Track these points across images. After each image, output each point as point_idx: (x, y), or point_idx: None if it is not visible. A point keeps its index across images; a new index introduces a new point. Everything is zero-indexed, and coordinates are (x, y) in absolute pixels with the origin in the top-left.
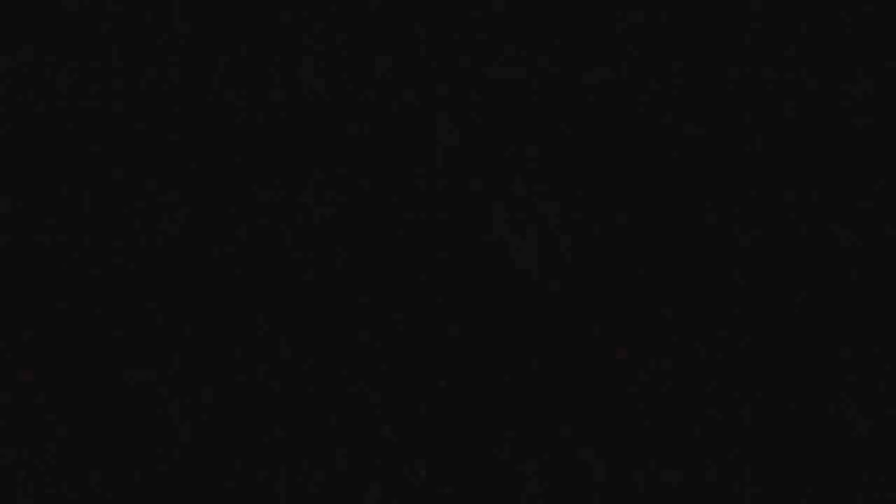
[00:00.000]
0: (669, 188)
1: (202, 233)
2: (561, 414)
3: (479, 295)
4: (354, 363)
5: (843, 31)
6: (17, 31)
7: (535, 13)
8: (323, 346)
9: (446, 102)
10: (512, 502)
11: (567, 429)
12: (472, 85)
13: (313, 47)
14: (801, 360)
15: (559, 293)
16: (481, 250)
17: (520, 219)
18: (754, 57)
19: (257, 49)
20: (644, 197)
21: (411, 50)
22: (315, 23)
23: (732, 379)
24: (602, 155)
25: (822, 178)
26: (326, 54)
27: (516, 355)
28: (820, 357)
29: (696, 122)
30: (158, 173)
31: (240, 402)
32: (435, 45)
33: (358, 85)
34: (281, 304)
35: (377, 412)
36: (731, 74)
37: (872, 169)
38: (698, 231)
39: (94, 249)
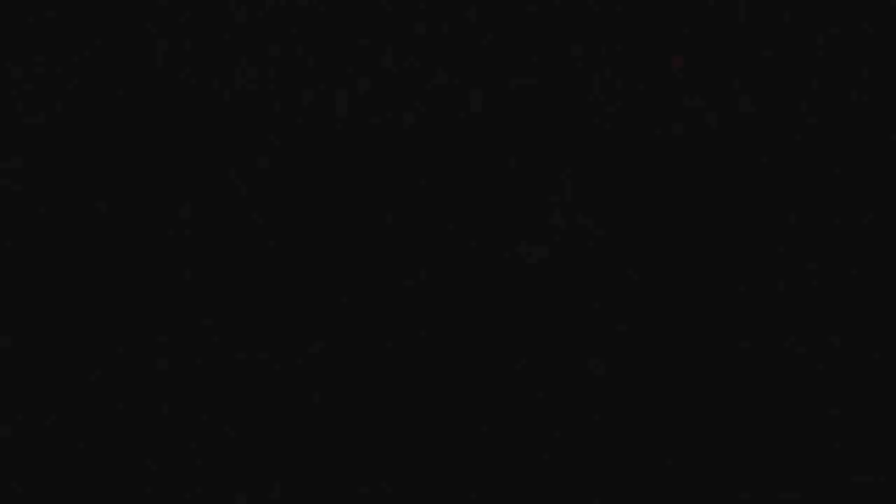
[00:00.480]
0: (673, 191)
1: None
2: (562, 412)
3: (489, 294)
4: (363, 362)
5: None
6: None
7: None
8: (326, 343)
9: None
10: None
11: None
12: (489, 92)
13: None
14: (803, 360)
15: (568, 291)
16: (493, 252)
17: (533, 222)
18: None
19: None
20: (651, 199)
21: (424, 49)
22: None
23: (733, 379)
24: (610, 159)
25: (821, 181)
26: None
27: (522, 351)
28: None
29: (701, 126)
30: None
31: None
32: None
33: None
34: (284, 302)
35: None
36: (737, 86)
37: (873, 169)
38: (701, 232)
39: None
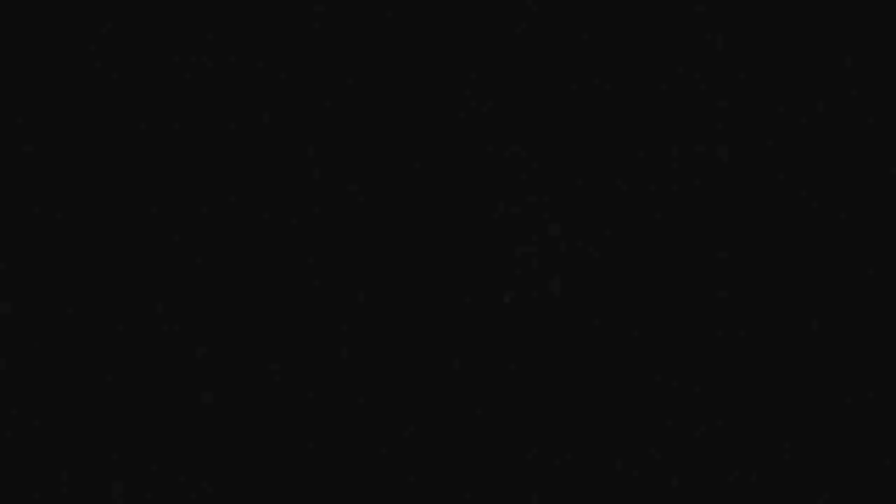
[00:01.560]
0: (671, 190)
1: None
2: (563, 417)
3: (483, 301)
4: (354, 366)
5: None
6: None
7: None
8: (320, 347)
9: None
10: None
11: (572, 433)
12: (480, 90)
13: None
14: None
15: (563, 299)
16: (486, 256)
17: (525, 225)
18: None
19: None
20: (647, 200)
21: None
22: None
23: (733, 381)
24: (604, 158)
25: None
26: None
27: (519, 361)
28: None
29: (699, 124)
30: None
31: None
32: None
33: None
34: (284, 303)
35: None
36: (732, 78)
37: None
38: (701, 234)
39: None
